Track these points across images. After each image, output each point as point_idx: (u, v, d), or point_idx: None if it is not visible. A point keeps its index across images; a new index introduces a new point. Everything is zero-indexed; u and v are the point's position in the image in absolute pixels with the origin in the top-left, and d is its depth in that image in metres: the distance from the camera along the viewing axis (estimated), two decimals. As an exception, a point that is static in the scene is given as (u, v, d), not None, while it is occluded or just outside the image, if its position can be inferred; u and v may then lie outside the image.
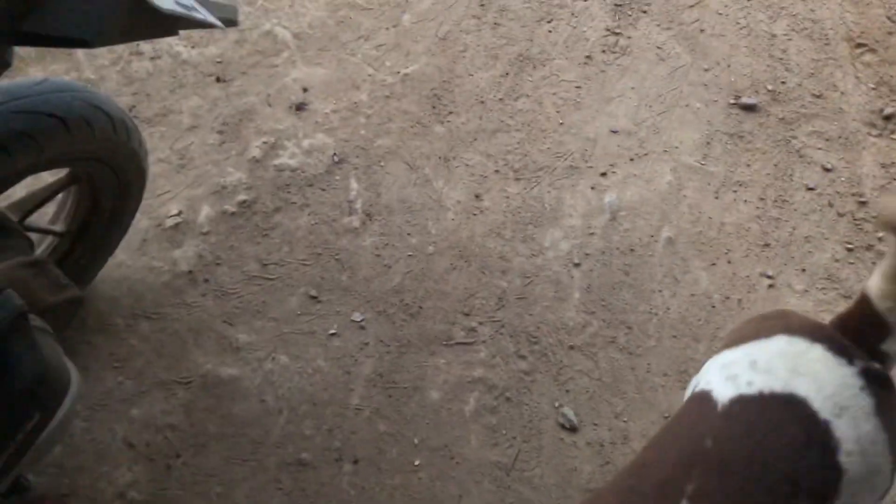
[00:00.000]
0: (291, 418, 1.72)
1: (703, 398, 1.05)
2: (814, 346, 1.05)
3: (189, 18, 1.18)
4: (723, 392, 1.04)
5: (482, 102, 2.17)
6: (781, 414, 1.00)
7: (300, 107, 2.11)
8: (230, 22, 1.36)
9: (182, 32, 2.18)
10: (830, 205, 2.07)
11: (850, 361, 1.03)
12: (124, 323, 1.80)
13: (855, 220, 2.05)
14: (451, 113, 2.14)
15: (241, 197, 1.96)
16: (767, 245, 2.00)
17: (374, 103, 2.14)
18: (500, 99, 2.18)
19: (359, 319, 1.84)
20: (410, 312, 1.86)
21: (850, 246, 2.01)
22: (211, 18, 1.23)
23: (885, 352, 1.05)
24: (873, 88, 2.27)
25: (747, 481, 0.96)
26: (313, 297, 1.86)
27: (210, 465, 1.67)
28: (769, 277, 1.94)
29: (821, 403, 0.98)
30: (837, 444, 0.97)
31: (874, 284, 1.07)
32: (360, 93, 2.15)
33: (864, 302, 1.08)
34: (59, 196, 1.62)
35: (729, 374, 1.06)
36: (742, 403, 1.03)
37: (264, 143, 2.05)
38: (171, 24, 1.13)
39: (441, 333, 1.84)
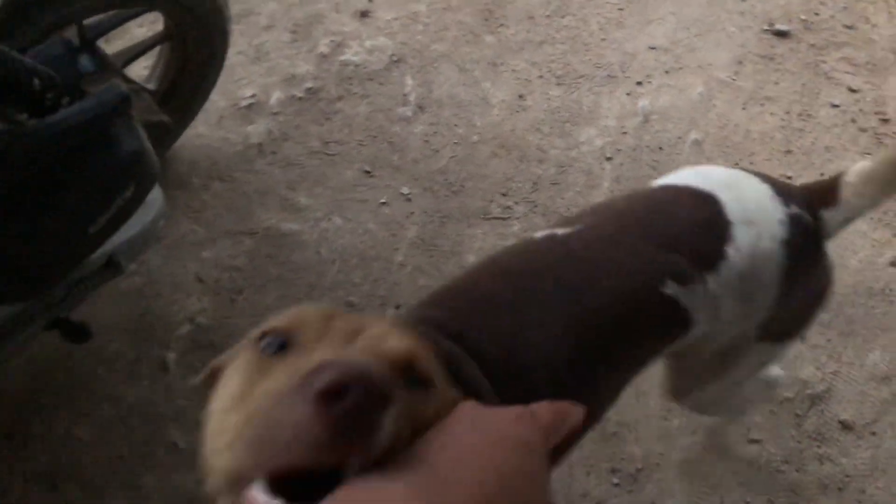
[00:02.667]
0: (342, 268, 1.93)
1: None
2: (761, 183, 1.14)
3: None
4: (658, 182, 1.18)
5: (531, 18, 2.36)
6: (694, 200, 1.10)
7: (365, 14, 2.33)
8: None
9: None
10: (853, 121, 2.20)
11: (786, 204, 1.11)
12: (199, 182, 2.04)
13: (876, 135, 2.18)
14: (501, 25, 2.34)
15: (309, 85, 2.19)
16: (790, 152, 2.14)
17: (432, 14, 2.35)
18: (548, 16, 2.37)
19: (406, 192, 2.04)
20: (453, 190, 2.05)
21: (868, 156, 2.13)
22: None
23: (824, 217, 1.14)
24: (904, 22, 2.39)
25: (638, 223, 1.07)
26: (367, 172, 2.07)
27: (268, 301, 1.88)
28: (789, 178, 2.08)
29: (733, 211, 1.08)
30: (730, 239, 1.06)
31: (854, 169, 1.15)
32: (420, 4, 2.37)
33: (835, 179, 1.16)
34: (155, 56, 1.87)
35: (679, 176, 1.17)
36: (667, 188, 1.14)
37: (331, 41, 2.27)
38: None
39: (479, 209, 2.02)
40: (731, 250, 1.05)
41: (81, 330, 1.53)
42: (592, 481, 1.67)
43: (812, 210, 1.13)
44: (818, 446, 1.74)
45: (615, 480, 1.68)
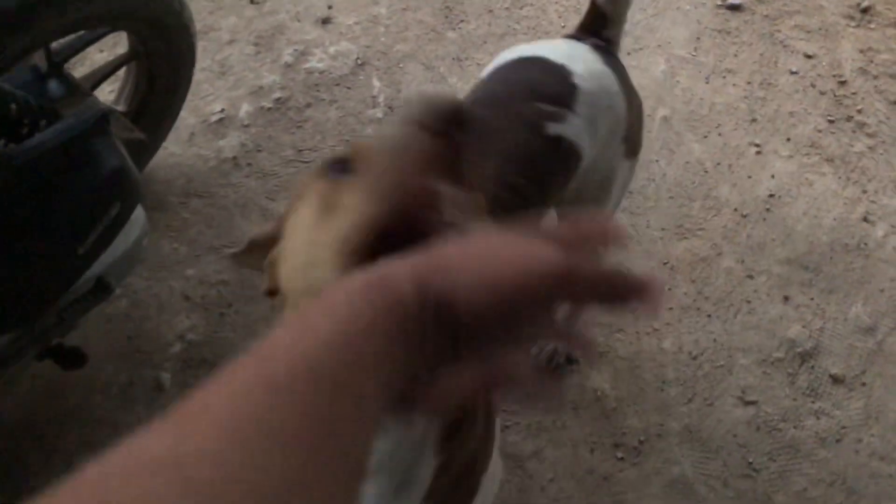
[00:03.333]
0: (328, 273, 1.93)
1: None
2: (558, 40, 1.39)
3: None
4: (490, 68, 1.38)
5: (490, 11, 2.39)
6: (528, 63, 1.32)
7: (326, 20, 2.34)
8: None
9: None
10: (813, 85, 2.26)
11: (580, 40, 1.36)
12: (177, 200, 2.02)
13: (836, 96, 2.23)
14: (462, 21, 2.36)
15: (277, 95, 2.19)
16: (755, 120, 2.19)
17: (392, 15, 2.36)
18: (507, 8, 2.40)
19: (385, 193, 2.04)
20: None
21: (831, 118, 2.19)
22: None
23: (608, 37, 1.38)
24: (851, -13, 2.46)
25: (497, 88, 1.29)
26: (344, 176, 2.07)
27: (259, 312, 1.88)
28: (756, 146, 2.13)
29: (557, 56, 1.30)
30: (570, 72, 1.27)
31: None
32: (380, 7, 2.38)
33: (593, 4, 1.39)
34: (121, 78, 1.86)
35: (512, 53, 1.38)
36: (515, 61, 1.35)
37: (295, 50, 2.28)
38: None
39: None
40: (578, 81, 1.27)
41: (76, 355, 1.52)
42: (597, 457, 1.69)
43: (600, 36, 1.39)
44: (812, 402, 1.78)
45: (619, 455, 1.70)
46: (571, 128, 1.25)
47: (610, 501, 1.65)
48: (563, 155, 1.25)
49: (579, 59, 1.31)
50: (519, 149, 1.20)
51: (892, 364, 1.83)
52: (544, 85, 1.28)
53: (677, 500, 1.67)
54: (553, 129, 1.23)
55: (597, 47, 1.35)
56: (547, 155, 1.23)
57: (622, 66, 1.38)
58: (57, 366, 1.52)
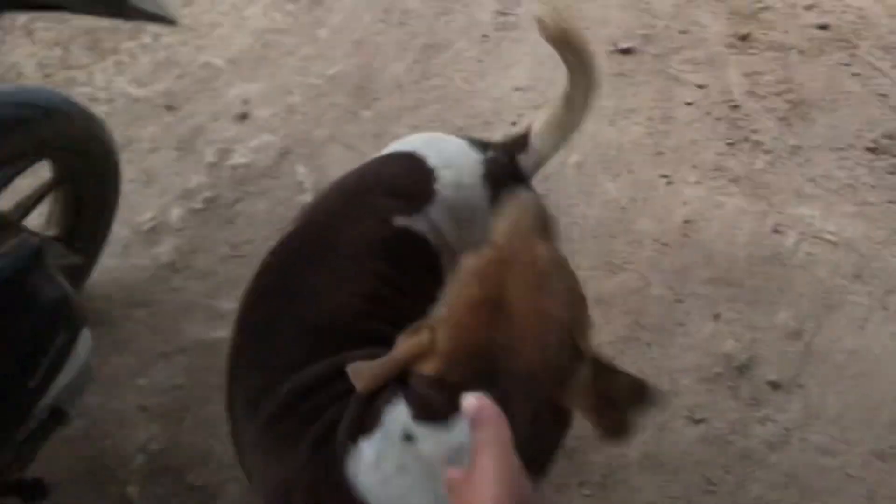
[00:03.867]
0: (280, 361, 1.97)
1: None
2: (458, 139, 1.44)
3: (138, 8, 1.48)
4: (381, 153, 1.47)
5: (400, 86, 2.50)
6: (399, 158, 1.40)
7: (243, 116, 2.42)
8: (171, 20, 1.66)
9: (129, 75, 2.50)
10: (708, 113, 2.42)
11: (482, 151, 1.41)
12: (120, 313, 2.05)
13: (731, 120, 2.40)
14: (375, 99, 2.47)
15: (205, 195, 2.25)
16: (661, 153, 2.32)
17: (307, 102, 2.46)
18: (416, 81, 2.51)
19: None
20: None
21: (730, 141, 2.35)
22: (158, 10, 1.53)
23: (520, 160, 1.44)
24: (727, 17, 2.65)
25: (358, 185, 1.37)
26: (282, 264, 2.13)
27: (218, 411, 1.87)
28: (666, 177, 2.26)
29: (434, 159, 1.36)
30: (435, 176, 1.34)
31: (538, 119, 1.46)
32: (294, 96, 2.47)
33: (527, 129, 1.46)
34: (48, 202, 1.89)
35: (386, 149, 1.46)
36: (375, 158, 1.45)
37: (217, 149, 2.34)
38: (121, 3, 1.42)
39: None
40: (438, 187, 1.33)
41: (38, 487, 1.51)
42: (566, 497, 1.75)
43: (509, 155, 1.43)
44: (756, 410, 1.88)
45: (586, 492, 1.76)
46: (421, 223, 1.31)
47: (584, 539, 1.70)
48: (410, 243, 1.30)
49: (458, 168, 1.36)
50: (362, 237, 1.27)
51: (822, 363, 1.95)
52: (406, 182, 1.34)
53: (647, 527, 1.73)
54: (400, 221, 1.30)
55: (494, 161, 1.40)
56: (392, 242, 1.29)
57: (513, 187, 1.40)
58: (21, 502, 1.52)
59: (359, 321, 1.20)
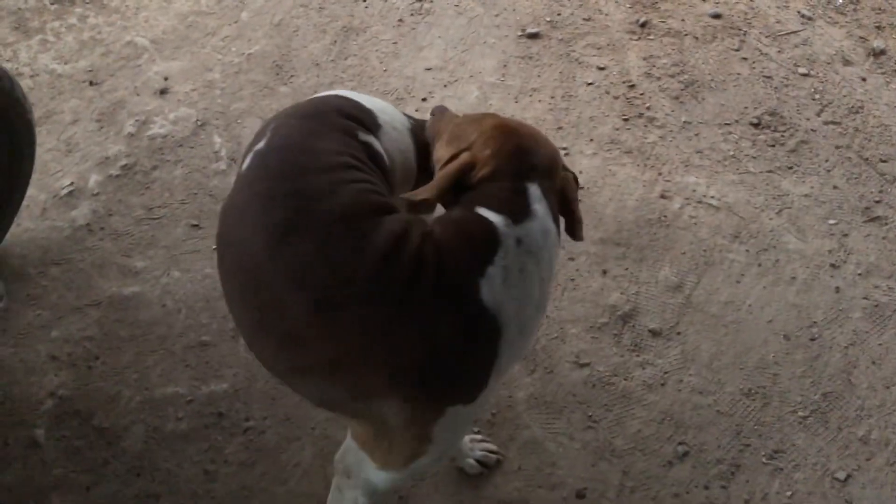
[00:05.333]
0: (189, 314, 2.05)
1: None
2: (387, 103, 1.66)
3: None
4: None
5: (317, 65, 2.62)
6: (339, 97, 1.54)
7: (164, 91, 2.51)
8: None
9: (53, 52, 2.57)
10: (607, 92, 2.58)
11: (406, 115, 1.65)
12: (35, 271, 2.12)
13: (627, 98, 2.56)
14: (292, 77, 2.58)
15: (123, 162, 2.33)
16: (561, 128, 2.47)
17: (227, 79, 2.56)
18: (332, 60, 2.63)
19: (236, 235, 2.20)
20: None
21: (625, 117, 2.51)
22: None
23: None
24: (629, 7, 2.83)
25: (320, 112, 1.46)
26: (195, 226, 2.22)
27: (125, 360, 1.98)
28: (564, 149, 2.41)
29: (368, 104, 1.54)
30: (377, 116, 1.52)
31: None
32: (214, 73, 2.57)
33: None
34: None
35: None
36: (322, 94, 1.61)
37: (136, 121, 2.43)
38: None
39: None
40: (381, 122, 1.52)
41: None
42: (455, 434, 1.85)
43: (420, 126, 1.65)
44: (637, 355, 2.02)
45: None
46: (379, 142, 1.48)
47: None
48: (376, 163, 1.45)
49: (390, 115, 1.55)
50: (343, 148, 1.39)
51: (699, 313, 2.10)
52: (357, 113, 1.49)
53: (531, 459, 1.85)
54: (363, 136, 1.45)
55: (411, 120, 1.64)
56: (366, 157, 1.42)
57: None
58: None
59: (373, 202, 1.31)
